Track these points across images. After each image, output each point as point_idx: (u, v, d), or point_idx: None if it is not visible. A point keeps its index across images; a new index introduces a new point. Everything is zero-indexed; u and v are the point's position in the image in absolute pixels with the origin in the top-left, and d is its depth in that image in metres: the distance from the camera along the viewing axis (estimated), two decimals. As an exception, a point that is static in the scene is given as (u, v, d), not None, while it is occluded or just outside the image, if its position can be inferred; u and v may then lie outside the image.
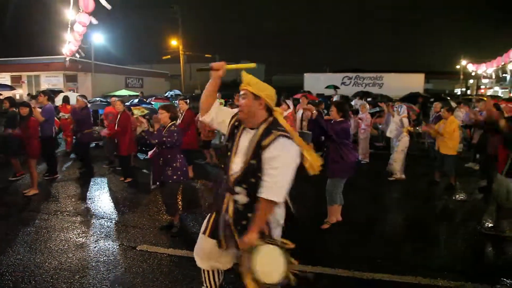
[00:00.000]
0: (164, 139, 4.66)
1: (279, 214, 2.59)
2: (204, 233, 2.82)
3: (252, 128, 2.54)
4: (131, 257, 4.29)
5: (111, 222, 5.42)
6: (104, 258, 4.25)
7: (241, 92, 2.58)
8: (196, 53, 43.98)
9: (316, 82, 33.96)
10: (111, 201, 6.46)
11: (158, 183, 4.98)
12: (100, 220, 5.47)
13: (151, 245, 4.59)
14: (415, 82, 33.26)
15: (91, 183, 7.50)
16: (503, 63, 20.78)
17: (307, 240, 4.72)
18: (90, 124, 8.17)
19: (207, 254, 2.86)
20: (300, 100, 9.87)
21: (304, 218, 5.46)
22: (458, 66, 44.80)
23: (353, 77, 36.23)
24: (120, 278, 3.79)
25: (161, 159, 4.82)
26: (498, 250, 4.74)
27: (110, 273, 3.91)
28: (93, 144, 10.67)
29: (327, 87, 27.53)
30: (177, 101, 9.33)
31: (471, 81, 49.23)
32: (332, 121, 4.97)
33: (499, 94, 40.82)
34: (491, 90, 47.32)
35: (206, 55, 46.05)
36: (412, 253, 4.54)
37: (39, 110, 7.24)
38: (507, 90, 44.33)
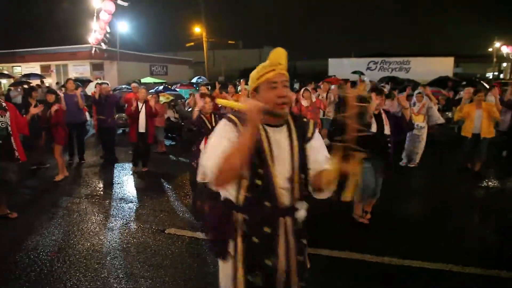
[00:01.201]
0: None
1: None
2: None
3: (277, 125, 1.83)
4: (160, 240, 4.37)
5: (139, 206, 5.54)
6: (134, 240, 4.36)
7: (282, 79, 1.78)
8: (219, 40, 44.04)
9: (340, 67, 33.41)
10: (139, 186, 6.59)
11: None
12: (128, 204, 5.60)
13: (179, 229, 4.67)
14: (443, 66, 32.21)
15: (119, 168, 7.67)
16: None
17: (335, 226, 4.71)
18: (112, 111, 8.16)
19: None
20: (322, 86, 9.74)
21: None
22: (490, 49, 43.04)
23: (379, 62, 35.42)
24: (150, 260, 3.88)
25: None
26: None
27: (140, 255, 4.00)
28: (120, 130, 10.91)
29: (353, 72, 27.02)
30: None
31: (504, 64, 47.20)
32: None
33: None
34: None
35: (229, 41, 46.07)
36: (445, 240, 4.44)
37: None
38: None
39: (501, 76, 43.33)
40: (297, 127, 1.86)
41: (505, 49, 37.27)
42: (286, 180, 1.79)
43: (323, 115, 8.90)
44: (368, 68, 34.20)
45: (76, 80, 18.42)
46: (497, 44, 39.36)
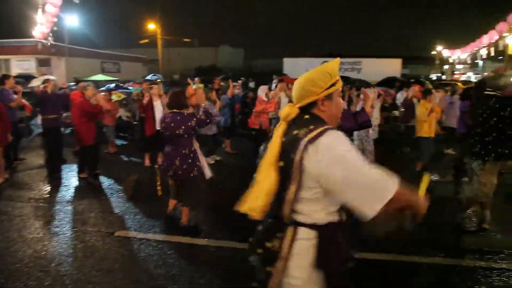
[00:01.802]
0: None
1: None
2: None
3: None
4: (109, 243, 4.23)
5: (87, 209, 5.32)
6: (81, 245, 4.18)
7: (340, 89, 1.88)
8: (174, 37, 43.28)
9: (295, 66, 33.95)
10: (87, 188, 6.34)
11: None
12: (76, 207, 5.37)
13: (129, 231, 4.54)
14: (392, 67, 33.67)
15: (66, 170, 7.33)
16: (476, 49, 21.26)
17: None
18: (56, 109, 7.43)
19: None
20: (278, 85, 9.84)
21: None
22: (434, 52, 45.65)
23: (332, 62, 36.41)
24: (98, 265, 3.74)
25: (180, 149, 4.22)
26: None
27: (87, 259, 3.85)
28: (67, 130, 10.43)
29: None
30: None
31: (446, 66, 50.25)
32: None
33: (472, 79, 41.92)
34: (465, 75, 48.53)
35: (185, 40, 45.39)
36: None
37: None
38: (480, 75, 45.43)
39: (443, 77, 46.08)
40: None
41: (446, 53, 39.63)
42: None
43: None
44: (322, 68, 35.08)
45: (19, 76, 17.38)
46: (439, 48, 41.78)
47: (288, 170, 1.68)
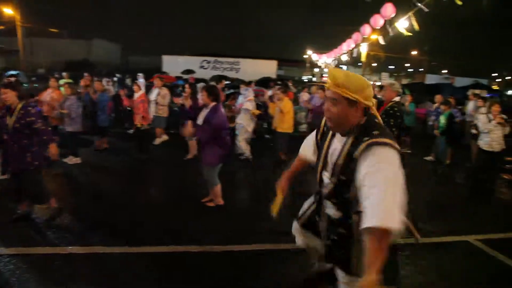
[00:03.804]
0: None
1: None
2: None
3: (343, 135, 2.13)
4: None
5: None
6: None
7: (329, 95, 2.07)
8: (37, 26, 38.80)
9: (174, 64, 33.63)
10: None
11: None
12: None
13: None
14: (268, 68, 35.88)
15: None
16: (338, 55, 24.00)
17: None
18: None
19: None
20: (155, 82, 9.75)
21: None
22: (306, 56, 49.80)
23: (211, 61, 37.01)
24: None
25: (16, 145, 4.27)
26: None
27: None
28: None
29: (185, 71, 27.66)
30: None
31: (316, 69, 55.31)
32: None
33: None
34: (332, 78, 53.95)
35: (50, 29, 41.07)
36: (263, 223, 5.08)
37: None
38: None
39: (314, 79, 50.70)
40: (351, 144, 2.04)
41: (315, 57, 43.54)
42: (328, 182, 2.23)
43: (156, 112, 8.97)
44: (202, 67, 35.39)
45: None
46: (309, 52, 45.77)
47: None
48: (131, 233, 4.41)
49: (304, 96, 12.46)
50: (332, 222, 2.25)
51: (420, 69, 61.04)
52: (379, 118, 2.09)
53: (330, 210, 2.24)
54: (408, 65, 66.75)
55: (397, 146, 1.91)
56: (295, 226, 2.82)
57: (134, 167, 7.44)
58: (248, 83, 10.01)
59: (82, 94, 8.41)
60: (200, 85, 8.73)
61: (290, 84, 16.32)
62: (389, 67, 65.71)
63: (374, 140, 1.90)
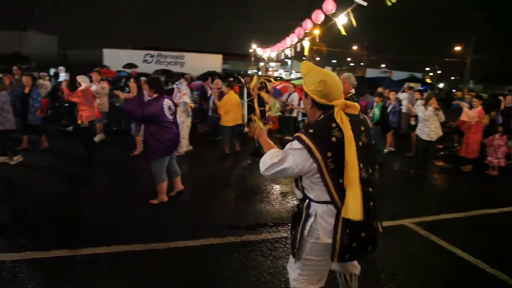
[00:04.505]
0: None
1: None
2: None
3: None
4: None
5: None
6: None
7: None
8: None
9: (116, 58, 32.28)
10: None
11: None
12: None
13: None
14: (214, 62, 35.50)
15: None
16: (281, 49, 24.29)
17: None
18: None
19: None
20: (93, 77, 9.29)
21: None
22: (251, 50, 49.96)
23: (155, 55, 35.96)
24: None
25: None
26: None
27: None
28: None
29: (127, 64, 26.70)
30: None
31: (262, 63, 55.68)
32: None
33: (283, 76, 47.79)
34: (277, 72, 54.96)
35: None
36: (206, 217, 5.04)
37: None
38: (288, 73, 52.26)
39: (260, 73, 51.06)
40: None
41: (259, 51, 43.81)
42: None
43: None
44: (145, 61, 34.32)
45: None
46: (254, 46, 45.98)
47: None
48: (71, 235, 4.20)
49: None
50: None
51: (361, 63, 63.73)
52: (341, 118, 2.09)
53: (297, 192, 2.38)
54: (350, 59, 69.40)
55: (306, 136, 2.09)
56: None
57: (77, 167, 7.09)
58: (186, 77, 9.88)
59: (10, 89, 7.81)
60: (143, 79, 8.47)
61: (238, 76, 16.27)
62: (332, 61, 67.96)
63: (299, 134, 2.15)
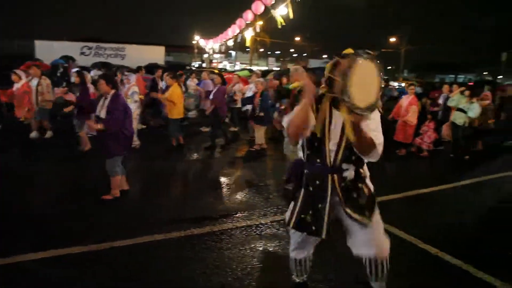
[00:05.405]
0: None
1: None
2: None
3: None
4: None
5: None
6: None
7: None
8: None
9: (49, 51, 30.23)
10: None
11: None
12: None
13: None
14: (156, 54, 34.47)
15: None
16: (224, 40, 24.22)
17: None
18: None
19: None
20: (31, 71, 8.68)
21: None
22: (194, 41, 49.27)
23: (93, 47, 34.18)
24: None
25: None
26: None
27: None
28: None
29: (63, 57, 25.14)
30: None
31: (205, 55, 55.10)
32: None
33: (227, 68, 47.66)
34: (222, 63, 54.68)
35: None
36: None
37: None
38: (233, 64, 52.11)
39: (204, 65, 50.54)
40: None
41: (202, 42, 43.36)
42: (335, 145, 2.39)
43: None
44: (82, 53, 32.51)
45: None
46: (197, 37, 45.40)
47: None
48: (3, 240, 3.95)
49: (193, 82, 12.45)
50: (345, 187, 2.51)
51: (304, 54, 65.16)
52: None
53: (347, 172, 2.48)
54: (293, 50, 70.67)
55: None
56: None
57: (21, 166, 6.65)
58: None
59: None
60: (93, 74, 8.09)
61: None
62: (276, 52, 68.80)
63: None
